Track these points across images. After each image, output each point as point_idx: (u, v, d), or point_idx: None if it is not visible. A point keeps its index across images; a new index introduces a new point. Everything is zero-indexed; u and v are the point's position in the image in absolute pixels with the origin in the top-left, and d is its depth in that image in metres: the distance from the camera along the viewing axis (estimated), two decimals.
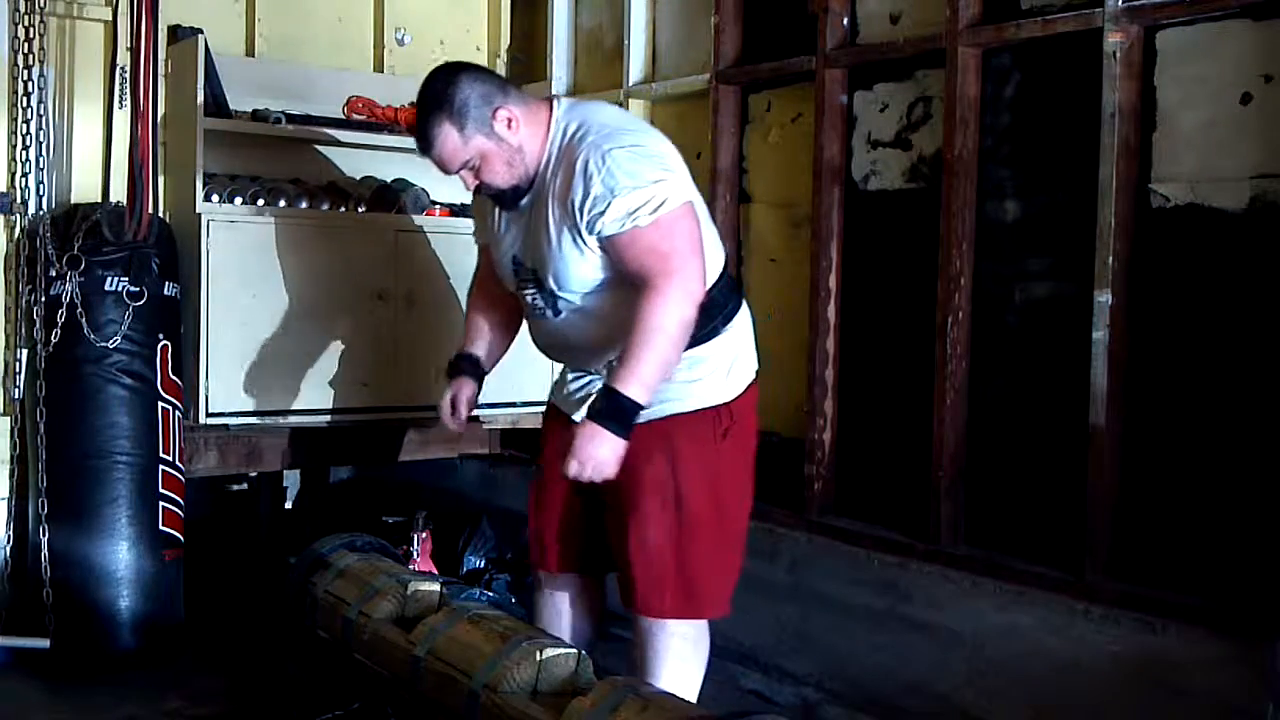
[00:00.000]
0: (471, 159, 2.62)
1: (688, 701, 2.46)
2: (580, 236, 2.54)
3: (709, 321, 2.65)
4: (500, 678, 2.44)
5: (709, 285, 2.61)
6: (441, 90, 2.63)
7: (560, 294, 2.65)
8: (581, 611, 2.93)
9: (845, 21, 3.55)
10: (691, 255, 2.52)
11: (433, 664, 2.64)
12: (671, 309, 2.47)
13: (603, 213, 2.48)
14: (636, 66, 4.27)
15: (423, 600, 2.89)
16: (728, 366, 2.72)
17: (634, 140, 2.55)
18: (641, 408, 2.49)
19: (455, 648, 2.62)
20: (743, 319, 2.79)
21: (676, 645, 2.69)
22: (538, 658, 2.45)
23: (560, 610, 2.92)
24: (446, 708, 2.57)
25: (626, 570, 2.69)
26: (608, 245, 2.52)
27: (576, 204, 2.52)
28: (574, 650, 2.49)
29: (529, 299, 2.74)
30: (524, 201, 2.66)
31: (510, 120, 2.59)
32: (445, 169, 2.67)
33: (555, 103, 2.67)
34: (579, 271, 2.59)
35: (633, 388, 2.46)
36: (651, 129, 2.77)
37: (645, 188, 2.47)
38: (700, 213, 2.65)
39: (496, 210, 2.77)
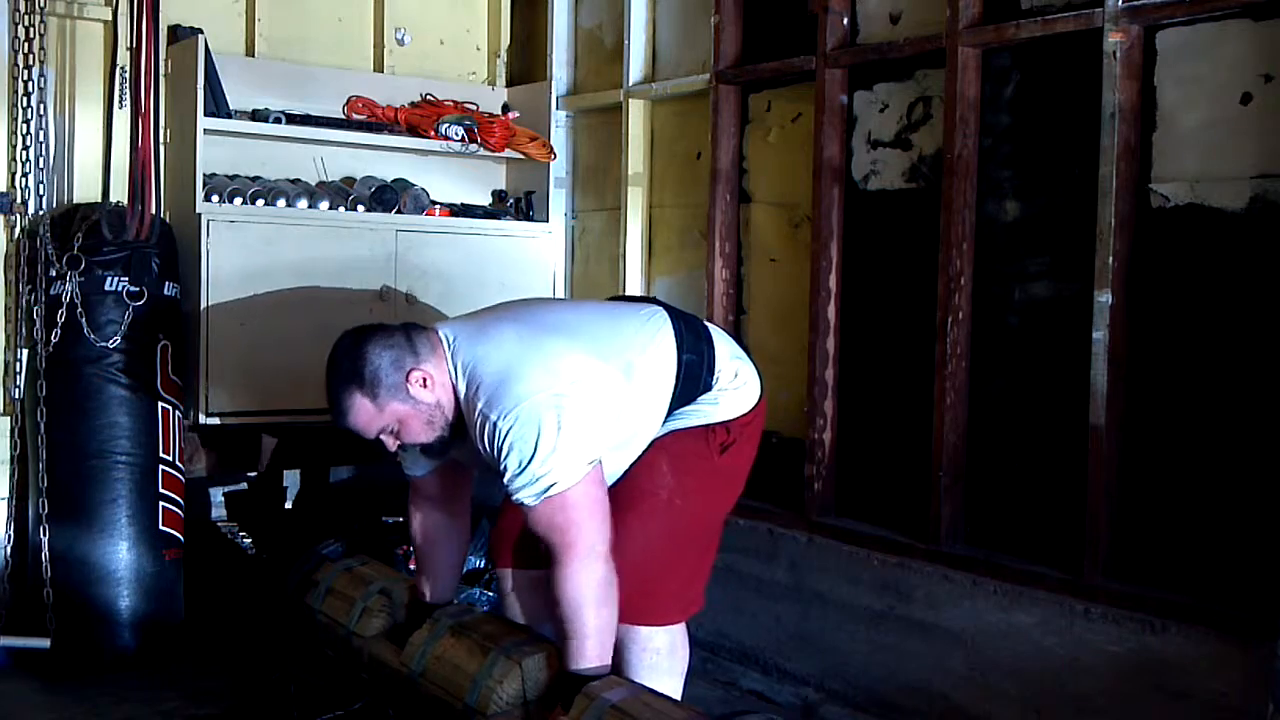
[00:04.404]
0: (389, 425, 2.58)
1: (666, 699, 2.48)
2: None
3: (696, 389, 2.68)
4: (487, 699, 2.50)
5: (675, 360, 2.63)
6: (350, 363, 2.56)
7: None
8: (545, 603, 2.93)
9: (845, 21, 3.55)
10: (587, 520, 2.46)
11: (426, 686, 2.70)
12: (580, 581, 2.44)
13: (509, 484, 2.48)
14: (636, 66, 4.27)
15: (402, 609, 2.98)
16: (727, 397, 2.73)
17: (512, 408, 2.45)
18: (605, 664, 2.50)
19: (443, 668, 2.68)
20: (723, 350, 2.75)
21: (649, 659, 2.68)
22: (519, 671, 2.50)
23: (526, 608, 2.92)
24: (448, 715, 2.63)
25: None
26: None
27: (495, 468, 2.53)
28: (553, 648, 2.52)
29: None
30: (468, 443, 2.63)
31: (425, 379, 2.55)
32: (365, 436, 2.62)
33: (442, 342, 2.61)
34: None
35: (585, 661, 2.46)
36: (533, 359, 2.55)
37: (528, 468, 2.44)
38: (615, 378, 2.59)
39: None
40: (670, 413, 2.69)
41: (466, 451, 2.68)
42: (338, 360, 2.59)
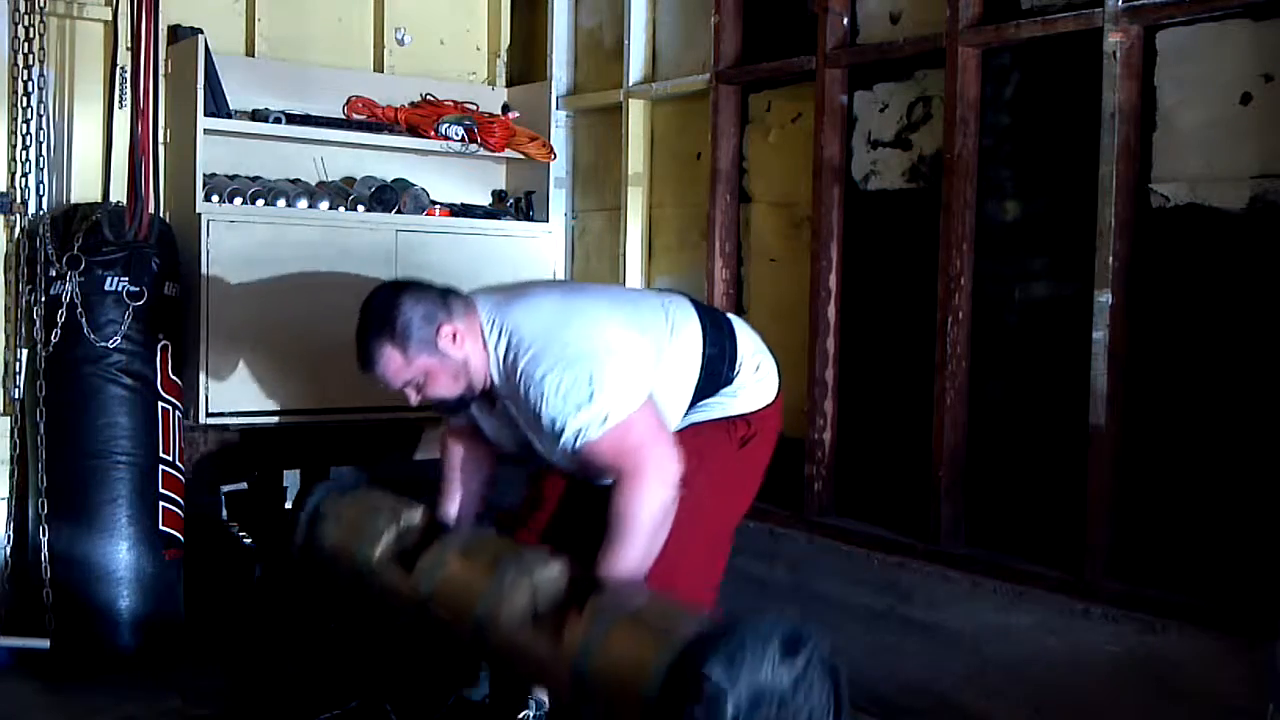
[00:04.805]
0: (415, 378, 2.62)
1: (678, 606, 2.41)
2: (553, 438, 2.56)
3: (716, 383, 2.69)
4: (497, 610, 2.44)
5: (700, 353, 2.66)
6: (383, 313, 2.62)
7: (556, 460, 2.67)
8: None
9: (845, 21, 3.55)
10: (654, 443, 2.50)
11: (436, 609, 2.64)
12: (645, 499, 2.46)
13: (559, 434, 2.51)
14: (636, 66, 4.27)
15: (416, 531, 2.86)
16: (747, 391, 2.74)
17: (560, 359, 2.51)
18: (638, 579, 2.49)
19: (452, 587, 2.62)
20: (747, 345, 2.77)
21: None
22: (530, 582, 2.44)
23: None
24: (459, 634, 2.60)
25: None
26: (575, 457, 2.54)
27: (539, 423, 2.54)
28: (563, 562, 2.47)
29: (523, 456, 2.78)
30: (495, 410, 2.68)
31: (455, 334, 2.60)
32: (388, 387, 2.67)
33: (478, 306, 2.65)
34: (559, 449, 2.60)
35: (622, 566, 2.45)
36: (574, 322, 2.63)
37: (587, 406, 2.47)
38: (659, 333, 2.65)
39: (477, 413, 2.79)
40: (691, 405, 2.70)
41: (495, 420, 2.71)
42: (371, 310, 2.65)
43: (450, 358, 2.60)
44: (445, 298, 2.65)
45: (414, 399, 2.67)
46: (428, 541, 2.79)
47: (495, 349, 2.60)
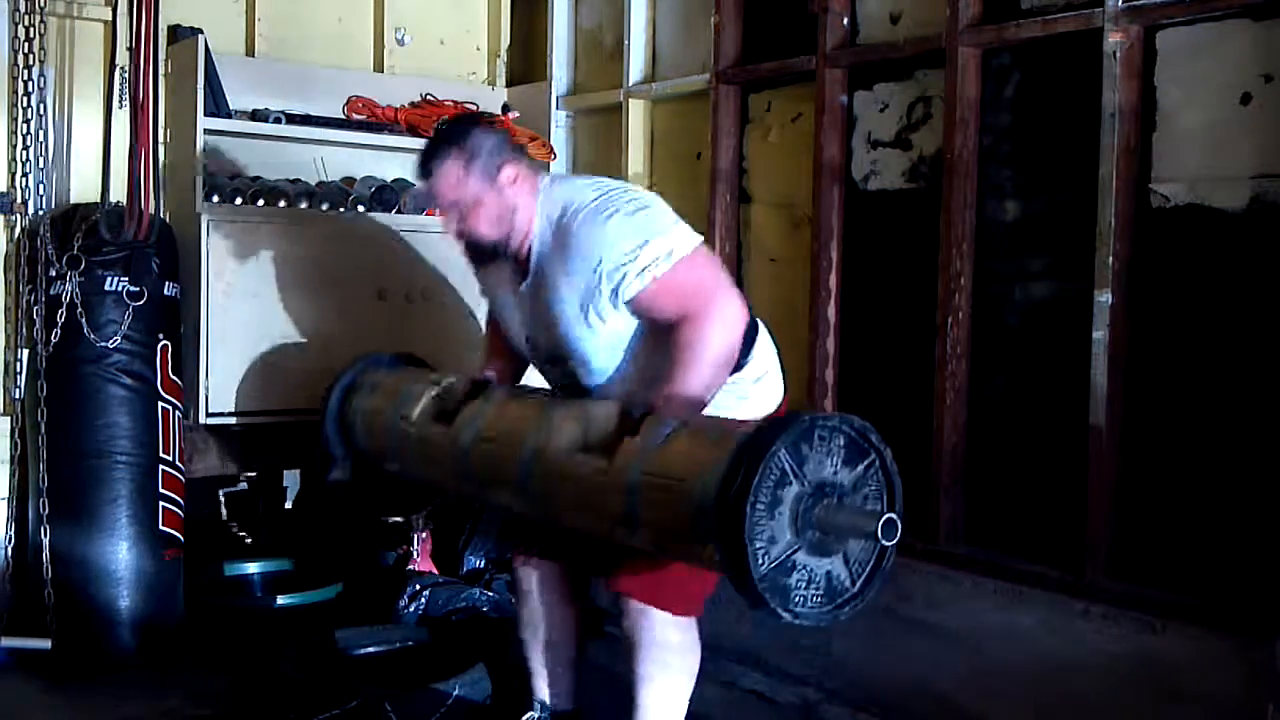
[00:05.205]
0: (464, 200, 2.63)
1: (734, 421, 2.34)
2: (597, 309, 2.54)
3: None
4: (547, 442, 2.41)
5: None
6: (457, 130, 2.71)
7: (589, 369, 2.64)
8: (563, 600, 2.91)
9: (845, 21, 3.55)
10: (722, 285, 2.52)
11: (480, 447, 2.60)
12: (714, 333, 2.44)
13: (622, 278, 2.48)
14: (636, 66, 4.27)
15: (458, 392, 2.81)
16: (754, 387, 2.71)
17: (626, 202, 2.54)
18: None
19: (501, 423, 2.59)
20: (764, 343, 2.76)
21: (659, 654, 2.64)
22: (583, 412, 2.41)
23: (553, 612, 2.91)
24: (500, 481, 2.55)
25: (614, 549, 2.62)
26: (636, 307, 2.52)
27: (590, 279, 2.52)
28: (615, 404, 2.42)
29: (554, 378, 2.76)
30: (524, 286, 2.67)
31: (515, 177, 2.63)
32: (437, 203, 2.70)
33: (541, 178, 2.69)
34: (602, 342, 2.58)
35: (685, 389, 2.39)
36: (635, 186, 2.72)
37: (652, 241, 2.48)
38: None
39: (501, 296, 2.80)
40: None
41: (513, 299, 2.70)
42: (444, 129, 2.77)
43: (503, 197, 2.61)
44: (519, 149, 2.69)
45: (453, 227, 2.68)
46: (470, 400, 2.75)
47: (547, 212, 2.61)
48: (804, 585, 2.09)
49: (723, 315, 2.47)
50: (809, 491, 2.07)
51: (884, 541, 2.06)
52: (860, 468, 2.14)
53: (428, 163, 2.68)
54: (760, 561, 2.02)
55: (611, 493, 2.28)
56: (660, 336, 2.52)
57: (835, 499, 2.10)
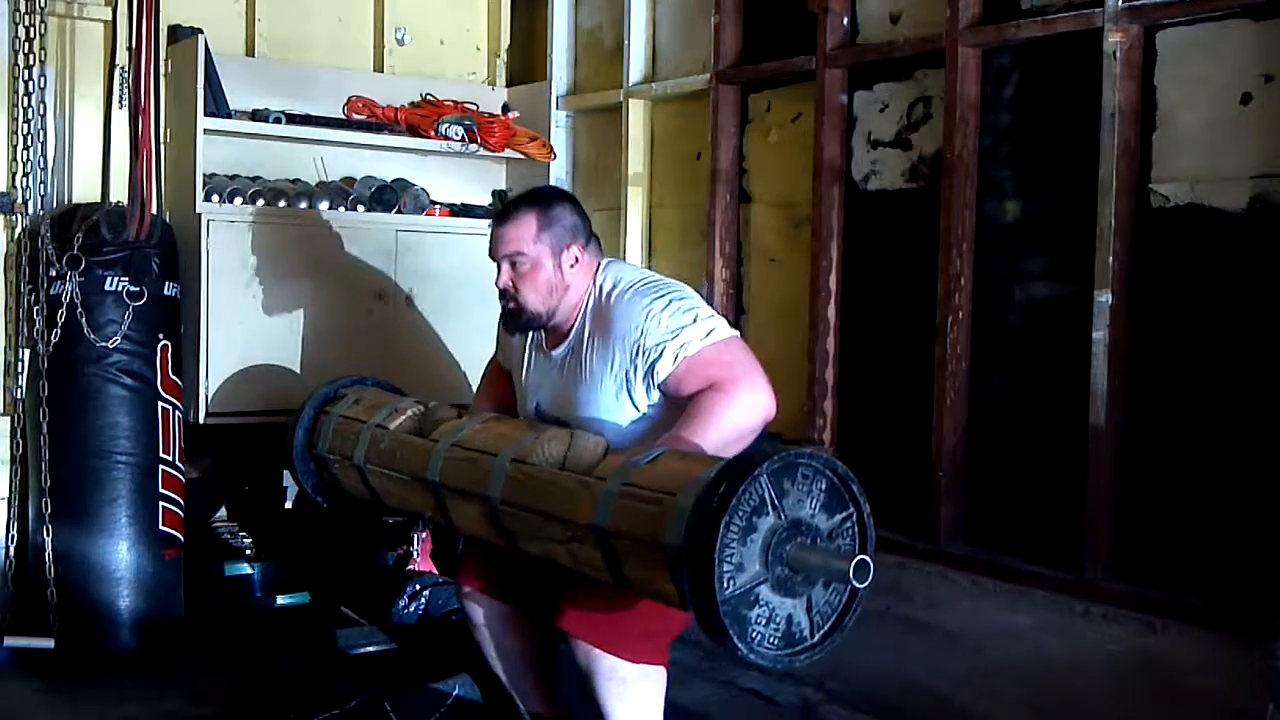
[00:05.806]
0: (524, 256, 2.67)
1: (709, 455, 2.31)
2: (631, 390, 2.56)
3: None
4: (530, 452, 2.41)
5: None
6: (550, 196, 2.77)
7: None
8: (515, 634, 2.83)
9: (845, 21, 3.55)
10: (756, 371, 2.51)
11: (454, 454, 2.59)
12: (735, 404, 2.43)
13: (659, 355, 2.51)
14: (636, 66, 4.27)
15: (442, 417, 2.80)
16: None
17: (672, 290, 2.60)
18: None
19: (481, 437, 2.59)
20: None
21: (615, 687, 2.47)
22: (570, 438, 2.41)
23: (504, 649, 2.84)
24: (466, 492, 2.53)
25: (567, 590, 2.54)
26: (669, 386, 2.53)
27: (628, 355, 2.55)
28: (603, 439, 2.42)
29: None
30: (558, 352, 2.70)
31: (577, 260, 2.68)
32: (498, 249, 2.72)
33: (599, 264, 2.73)
34: (611, 418, 2.58)
35: (688, 444, 2.35)
36: (676, 282, 2.72)
37: (690, 326, 2.51)
38: None
39: (524, 355, 2.82)
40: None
41: (543, 367, 2.73)
42: (540, 190, 2.85)
43: (560, 272, 2.67)
44: (595, 236, 2.75)
45: (505, 278, 2.71)
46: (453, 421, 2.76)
47: (599, 288, 2.67)
48: (763, 623, 2.06)
49: (751, 394, 2.46)
50: (784, 525, 2.05)
51: (855, 583, 2.04)
52: (838, 519, 2.13)
53: (509, 208, 2.74)
54: (725, 585, 1.99)
55: (585, 500, 2.26)
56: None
57: (810, 540, 2.09)
